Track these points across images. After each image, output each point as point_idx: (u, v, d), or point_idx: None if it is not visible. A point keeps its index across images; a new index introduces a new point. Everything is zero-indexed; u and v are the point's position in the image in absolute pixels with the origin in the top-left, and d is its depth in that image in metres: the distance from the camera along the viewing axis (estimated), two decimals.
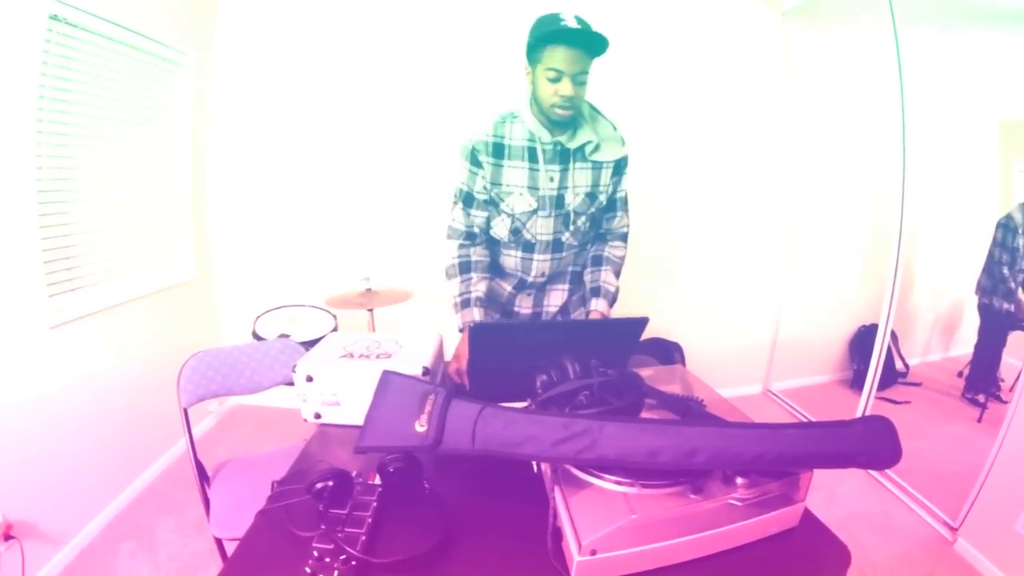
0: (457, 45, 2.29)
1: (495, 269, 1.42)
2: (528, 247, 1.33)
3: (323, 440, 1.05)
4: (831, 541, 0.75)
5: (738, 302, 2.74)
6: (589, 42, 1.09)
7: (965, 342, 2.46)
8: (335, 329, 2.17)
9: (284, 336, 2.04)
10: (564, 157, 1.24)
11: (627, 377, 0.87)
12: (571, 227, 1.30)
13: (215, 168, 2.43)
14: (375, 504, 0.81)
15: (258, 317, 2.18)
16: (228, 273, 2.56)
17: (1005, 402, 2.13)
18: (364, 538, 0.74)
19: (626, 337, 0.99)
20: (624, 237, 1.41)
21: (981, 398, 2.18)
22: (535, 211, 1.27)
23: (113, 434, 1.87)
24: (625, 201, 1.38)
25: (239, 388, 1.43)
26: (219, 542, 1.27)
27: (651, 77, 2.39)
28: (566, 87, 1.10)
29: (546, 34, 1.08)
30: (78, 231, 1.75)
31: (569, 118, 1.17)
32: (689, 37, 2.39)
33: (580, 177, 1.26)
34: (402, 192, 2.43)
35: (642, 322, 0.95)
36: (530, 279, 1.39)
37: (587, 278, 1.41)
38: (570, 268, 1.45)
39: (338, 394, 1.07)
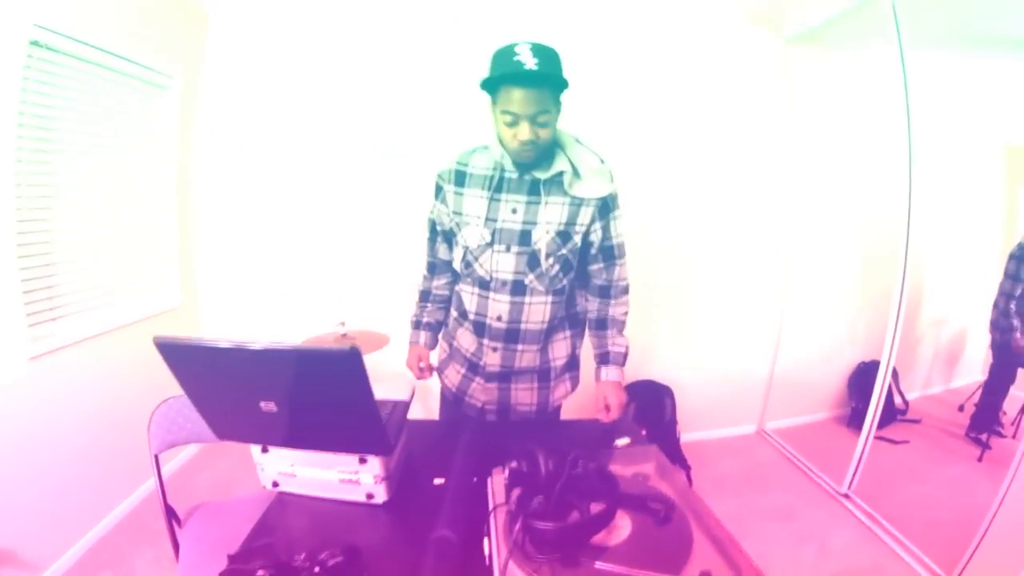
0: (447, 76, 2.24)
1: (460, 311, 1.33)
2: (484, 284, 1.22)
3: (280, 509, 1.00)
4: None
5: (733, 339, 2.66)
6: (546, 80, 1.00)
7: (966, 373, 2.41)
8: None
9: None
10: (534, 188, 1.14)
11: (604, 479, 0.82)
12: (537, 269, 1.18)
13: (201, 194, 2.38)
14: None
15: None
16: (213, 302, 2.52)
17: (1005, 436, 2.09)
18: None
19: (340, 371, 0.80)
20: (626, 291, 1.30)
21: (984, 437, 2.13)
22: (489, 244, 1.17)
23: (93, 463, 1.84)
24: (623, 249, 1.25)
25: (208, 436, 1.39)
26: None
27: (648, 100, 2.33)
28: (524, 131, 1.03)
29: (496, 76, 1.01)
30: (60, 259, 1.72)
31: (536, 159, 1.10)
32: (690, 62, 2.33)
33: (552, 212, 1.14)
34: (387, 232, 2.38)
35: (349, 355, 0.76)
36: (488, 321, 1.25)
37: (593, 343, 1.33)
38: (547, 353, 1.32)
39: (295, 466, 1.01)
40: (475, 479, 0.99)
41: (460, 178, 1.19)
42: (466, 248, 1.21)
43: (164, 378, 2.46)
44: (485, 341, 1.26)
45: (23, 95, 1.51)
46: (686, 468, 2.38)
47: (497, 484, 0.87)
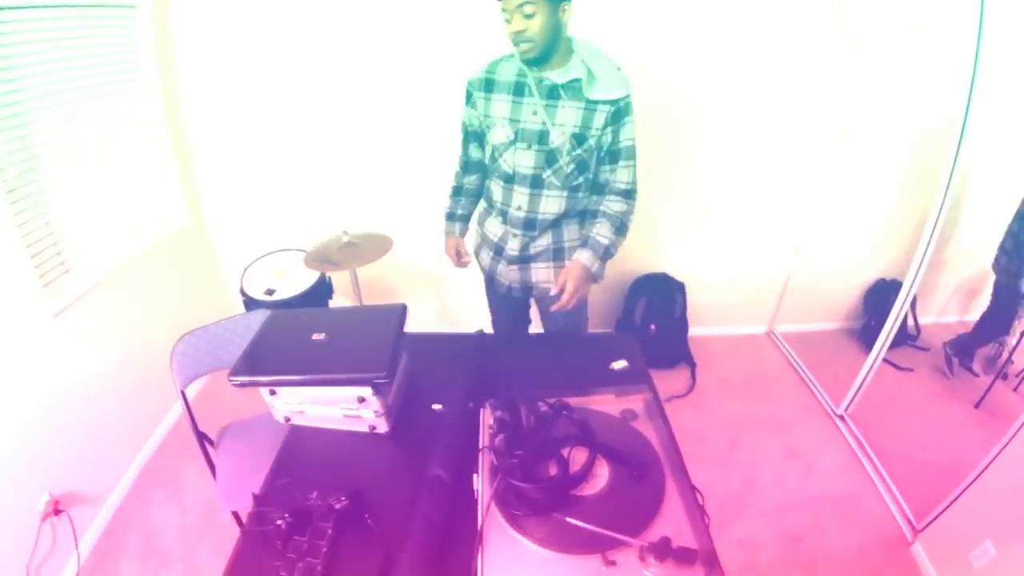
0: None
1: (489, 201, 1.54)
2: (508, 178, 1.40)
3: (296, 443, 1.09)
4: None
5: (753, 237, 2.54)
6: None
7: (982, 307, 2.33)
8: (323, 279, 2.17)
9: (270, 292, 2.10)
10: (553, 93, 1.27)
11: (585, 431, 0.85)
12: (554, 165, 1.33)
13: (193, 111, 2.29)
14: (331, 532, 0.88)
15: (245, 270, 2.20)
16: (222, 217, 2.54)
17: (976, 375, 2.14)
18: (320, 568, 0.81)
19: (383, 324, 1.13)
20: (625, 194, 1.39)
21: (956, 361, 2.14)
22: (512, 142, 1.33)
23: (128, 393, 1.99)
24: (630, 153, 1.35)
25: (221, 365, 1.51)
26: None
27: None
28: (515, 23, 1.16)
29: None
30: (59, 213, 1.72)
31: (538, 55, 1.20)
32: None
33: (567, 115, 1.27)
34: (389, 134, 2.28)
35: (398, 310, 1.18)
36: (510, 211, 1.43)
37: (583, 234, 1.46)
38: (561, 235, 1.46)
39: (303, 403, 1.09)
40: (471, 404, 1.08)
41: (488, 85, 1.35)
42: (494, 146, 1.38)
43: (185, 296, 2.52)
44: (508, 228, 1.47)
45: None
46: (692, 365, 2.44)
47: (489, 418, 0.93)
